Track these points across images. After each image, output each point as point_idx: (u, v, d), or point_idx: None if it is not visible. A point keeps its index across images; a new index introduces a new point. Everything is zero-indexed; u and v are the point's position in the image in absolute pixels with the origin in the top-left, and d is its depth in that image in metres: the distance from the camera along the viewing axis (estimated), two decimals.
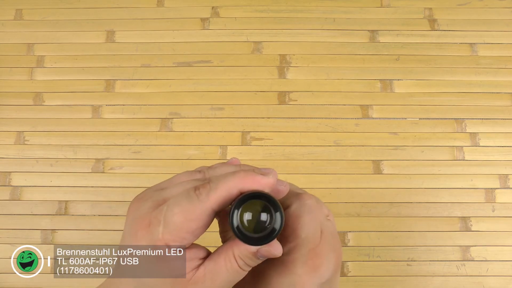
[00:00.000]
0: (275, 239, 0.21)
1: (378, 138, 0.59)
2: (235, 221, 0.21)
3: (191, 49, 0.63)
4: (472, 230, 0.56)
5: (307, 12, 0.65)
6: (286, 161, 0.58)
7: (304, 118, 0.60)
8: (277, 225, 0.21)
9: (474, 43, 0.63)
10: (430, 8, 0.65)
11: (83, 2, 0.66)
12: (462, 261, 0.54)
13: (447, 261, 0.55)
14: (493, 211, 0.56)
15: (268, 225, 0.21)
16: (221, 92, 0.61)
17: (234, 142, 0.59)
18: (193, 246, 0.22)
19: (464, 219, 0.56)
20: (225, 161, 0.27)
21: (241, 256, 0.21)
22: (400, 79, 0.61)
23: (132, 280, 0.22)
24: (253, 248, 0.21)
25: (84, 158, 0.59)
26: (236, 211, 0.21)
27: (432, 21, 0.64)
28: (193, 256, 0.22)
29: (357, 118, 0.60)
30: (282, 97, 0.61)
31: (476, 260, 0.55)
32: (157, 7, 0.65)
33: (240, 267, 0.21)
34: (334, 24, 0.64)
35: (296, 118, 0.60)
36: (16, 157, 0.59)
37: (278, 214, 0.21)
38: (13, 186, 0.58)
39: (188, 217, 0.21)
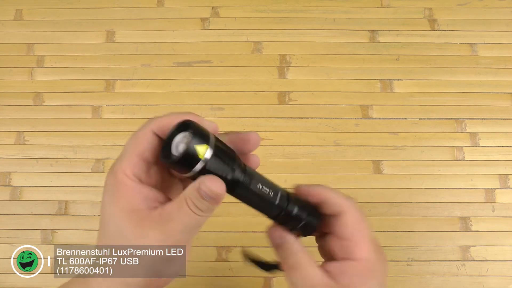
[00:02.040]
0: (213, 176, 0.22)
1: (378, 138, 0.59)
2: (166, 147, 0.23)
3: (191, 49, 0.63)
4: (472, 230, 0.56)
5: (307, 12, 0.65)
6: (286, 161, 0.58)
7: (304, 118, 0.60)
8: (201, 154, 0.22)
9: (474, 43, 0.63)
10: (430, 8, 0.65)
11: (83, 2, 0.66)
12: (462, 261, 0.55)
13: (447, 261, 0.55)
14: (493, 211, 0.56)
15: (197, 155, 0.22)
16: (221, 92, 0.61)
17: None
18: (155, 191, 0.24)
19: (464, 219, 0.56)
20: None
21: (189, 196, 0.22)
22: (400, 79, 0.61)
23: None
24: (196, 184, 0.22)
25: (84, 158, 0.59)
26: (169, 138, 0.23)
27: (432, 21, 0.64)
28: (153, 197, 0.24)
29: (357, 118, 0.60)
30: (282, 97, 0.61)
31: (476, 260, 0.55)
32: (157, 7, 0.65)
33: (190, 209, 0.22)
34: (334, 24, 0.64)
35: (296, 118, 0.60)
36: (16, 157, 0.59)
37: (203, 144, 0.22)
38: (13, 186, 0.58)
39: (136, 141, 0.23)
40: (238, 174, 0.24)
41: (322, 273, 0.25)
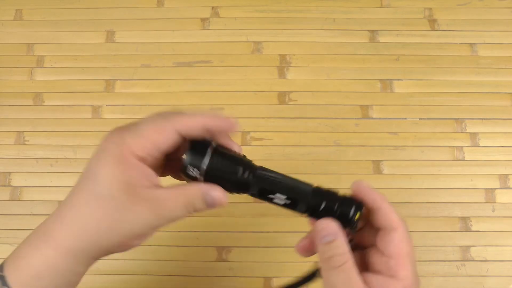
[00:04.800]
0: (216, 186, 0.25)
1: (378, 138, 0.59)
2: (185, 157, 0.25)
3: (191, 49, 0.63)
4: (472, 230, 0.56)
5: (307, 12, 0.65)
6: (286, 161, 0.58)
7: (304, 118, 0.60)
8: (204, 165, 0.25)
9: (474, 43, 0.63)
10: (430, 8, 0.65)
11: (83, 2, 0.66)
12: (462, 261, 0.55)
13: (447, 261, 0.55)
14: (493, 211, 0.56)
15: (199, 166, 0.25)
16: (221, 92, 0.61)
17: None
18: (155, 173, 0.25)
19: (464, 219, 0.56)
20: None
21: (192, 197, 0.24)
22: (400, 79, 0.61)
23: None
24: (203, 190, 0.24)
25: (84, 158, 0.59)
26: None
27: (432, 21, 0.64)
28: (153, 178, 0.25)
29: (357, 118, 0.60)
30: (282, 97, 0.61)
31: (476, 260, 0.55)
32: (157, 7, 0.65)
33: (186, 207, 0.24)
34: (334, 24, 0.64)
35: (296, 118, 0.60)
36: (16, 157, 0.59)
37: (204, 157, 0.25)
38: (13, 186, 0.58)
39: (157, 130, 0.24)
40: (240, 183, 0.26)
41: (363, 282, 0.25)
